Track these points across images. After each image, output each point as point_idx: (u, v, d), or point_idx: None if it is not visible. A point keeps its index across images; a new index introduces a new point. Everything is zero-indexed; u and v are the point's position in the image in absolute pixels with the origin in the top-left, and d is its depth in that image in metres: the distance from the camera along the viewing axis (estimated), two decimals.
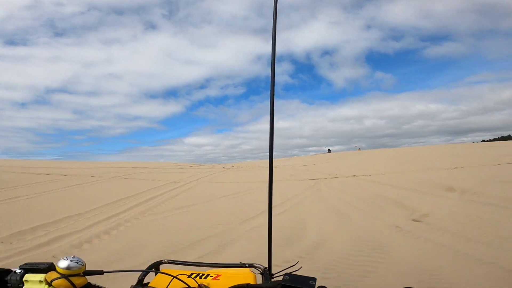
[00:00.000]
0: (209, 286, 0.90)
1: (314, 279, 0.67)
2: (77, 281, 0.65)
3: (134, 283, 0.91)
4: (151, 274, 0.97)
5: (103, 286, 0.73)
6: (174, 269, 1.01)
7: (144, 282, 0.95)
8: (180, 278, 0.84)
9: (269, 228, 1.12)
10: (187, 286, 0.82)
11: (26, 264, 0.72)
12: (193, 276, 0.96)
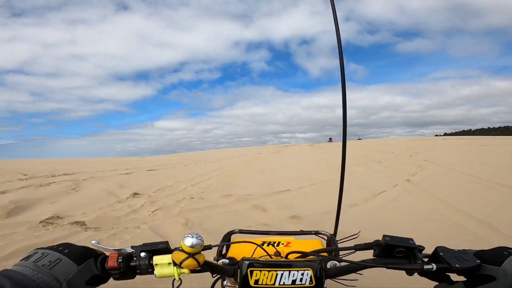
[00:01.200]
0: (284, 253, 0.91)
1: (412, 239, 0.67)
2: (200, 258, 0.65)
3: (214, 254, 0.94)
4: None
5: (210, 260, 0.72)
6: (246, 239, 1.03)
7: (223, 252, 0.99)
8: (261, 246, 0.87)
9: (340, 194, 1.15)
10: (265, 253, 0.85)
11: (144, 245, 0.69)
12: (265, 244, 1.00)
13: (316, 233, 1.15)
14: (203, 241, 0.66)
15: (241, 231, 1.17)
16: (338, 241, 1.04)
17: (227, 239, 1.11)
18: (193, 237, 0.64)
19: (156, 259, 0.66)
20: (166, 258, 0.65)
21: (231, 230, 1.17)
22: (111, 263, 0.64)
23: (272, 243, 1.03)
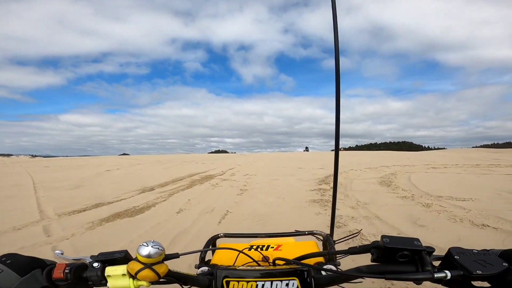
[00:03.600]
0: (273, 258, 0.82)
1: (418, 240, 0.56)
2: (160, 269, 0.58)
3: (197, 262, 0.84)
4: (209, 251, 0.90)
5: (178, 270, 0.64)
6: (232, 243, 0.95)
7: (206, 259, 0.88)
8: (244, 252, 0.78)
9: (334, 194, 1.07)
10: (251, 259, 0.75)
11: (100, 254, 0.63)
12: (253, 248, 0.90)
13: (311, 233, 1.05)
14: (162, 250, 0.59)
15: (227, 235, 1.06)
16: (336, 241, 0.96)
17: (211, 244, 1.00)
18: (148, 245, 0.58)
19: (109, 270, 0.60)
20: (119, 269, 0.60)
21: (215, 234, 1.06)
22: (57, 274, 0.59)
23: (261, 247, 0.93)
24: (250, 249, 0.89)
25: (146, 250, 0.57)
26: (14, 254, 0.60)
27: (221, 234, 1.06)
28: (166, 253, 0.62)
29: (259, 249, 0.90)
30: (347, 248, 0.64)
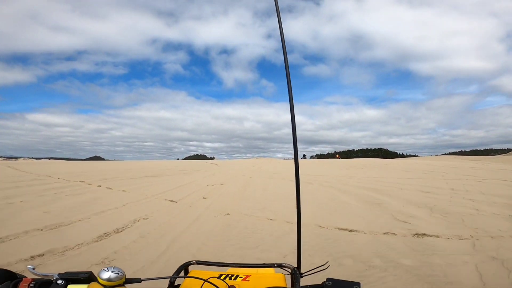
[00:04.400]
0: None
1: (358, 284, 0.63)
2: None
3: (166, 286, 0.89)
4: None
5: None
6: (203, 271, 0.99)
7: (175, 284, 0.92)
8: (210, 281, 0.82)
9: (298, 227, 1.05)
10: None
11: (66, 273, 0.69)
12: (222, 277, 0.94)
13: (279, 265, 1.06)
14: (122, 275, 0.66)
15: (199, 262, 1.06)
16: (303, 274, 0.97)
17: (183, 270, 1.01)
18: (108, 270, 0.65)
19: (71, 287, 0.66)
20: None
21: (187, 261, 1.06)
22: (23, 287, 0.64)
23: (229, 276, 0.96)
24: (219, 277, 0.93)
25: (106, 275, 0.64)
26: None
27: (194, 261, 1.06)
28: (129, 277, 0.70)
29: (227, 279, 0.94)
30: (308, 285, 0.74)
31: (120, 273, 0.65)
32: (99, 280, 0.65)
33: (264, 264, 1.09)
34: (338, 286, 0.63)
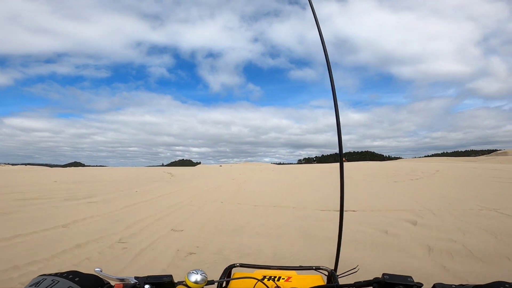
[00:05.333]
0: None
1: (411, 277, 0.70)
2: None
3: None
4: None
5: None
6: (246, 273, 1.04)
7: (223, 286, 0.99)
8: (262, 281, 0.88)
9: (340, 231, 1.13)
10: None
11: (149, 277, 0.70)
12: (266, 278, 1.00)
13: (317, 268, 1.12)
14: (207, 277, 0.70)
15: (242, 265, 1.13)
16: (339, 276, 1.04)
17: (227, 273, 1.08)
18: (197, 273, 0.69)
19: None
20: None
21: (231, 264, 1.12)
22: None
23: (273, 277, 1.02)
24: (263, 279, 0.98)
25: (195, 277, 0.68)
26: (77, 271, 0.64)
27: (237, 264, 1.12)
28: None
29: (270, 280, 0.99)
30: (352, 282, 0.77)
31: (205, 276, 0.70)
32: (188, 283, 0.68)
33: (302, 266, 1.15)
34: (395, 279, 0.68)
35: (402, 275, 0.70)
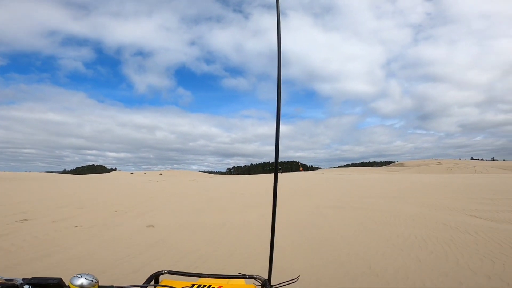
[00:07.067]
0: None
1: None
2: None
3: None
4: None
5: None
6: (174, 280, 0.99)
7: None
8: None
9: (272, 239, 1.10)
10: None
11: (33, 278, 0.66)
12: (195, 287, 0.96)
13: (251, 277, 1.09)
14: (96, 282, 0.64)
15: (170, 272, 1.06)
16: (275, 286, 1.02)
17: (153, 280, 1.00)
18: (81, 277, 0.63)
19: None
20: None
21: (158, 270, 1.05)
22: None
23: (201, 286, 0.98)
24: (191, 287, 0.94)
25: (78, 281, 0.62)
26: None
27: (165, 271, 1.06)
28: (103, 284, 0.69)
29: None
30: None
31: (93, 280, 0.64)
32: (71, 287, 0.63)
33: (235, 275, 1.12)
34: None
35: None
